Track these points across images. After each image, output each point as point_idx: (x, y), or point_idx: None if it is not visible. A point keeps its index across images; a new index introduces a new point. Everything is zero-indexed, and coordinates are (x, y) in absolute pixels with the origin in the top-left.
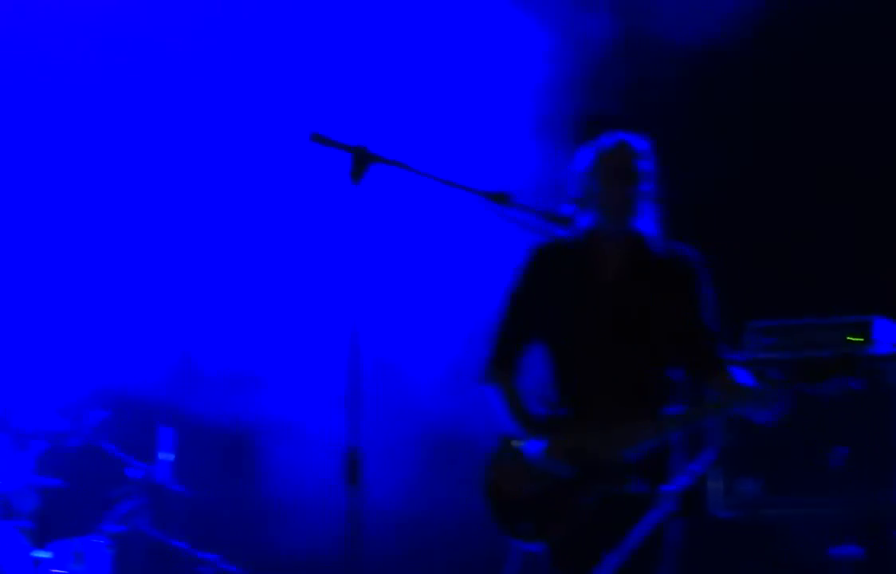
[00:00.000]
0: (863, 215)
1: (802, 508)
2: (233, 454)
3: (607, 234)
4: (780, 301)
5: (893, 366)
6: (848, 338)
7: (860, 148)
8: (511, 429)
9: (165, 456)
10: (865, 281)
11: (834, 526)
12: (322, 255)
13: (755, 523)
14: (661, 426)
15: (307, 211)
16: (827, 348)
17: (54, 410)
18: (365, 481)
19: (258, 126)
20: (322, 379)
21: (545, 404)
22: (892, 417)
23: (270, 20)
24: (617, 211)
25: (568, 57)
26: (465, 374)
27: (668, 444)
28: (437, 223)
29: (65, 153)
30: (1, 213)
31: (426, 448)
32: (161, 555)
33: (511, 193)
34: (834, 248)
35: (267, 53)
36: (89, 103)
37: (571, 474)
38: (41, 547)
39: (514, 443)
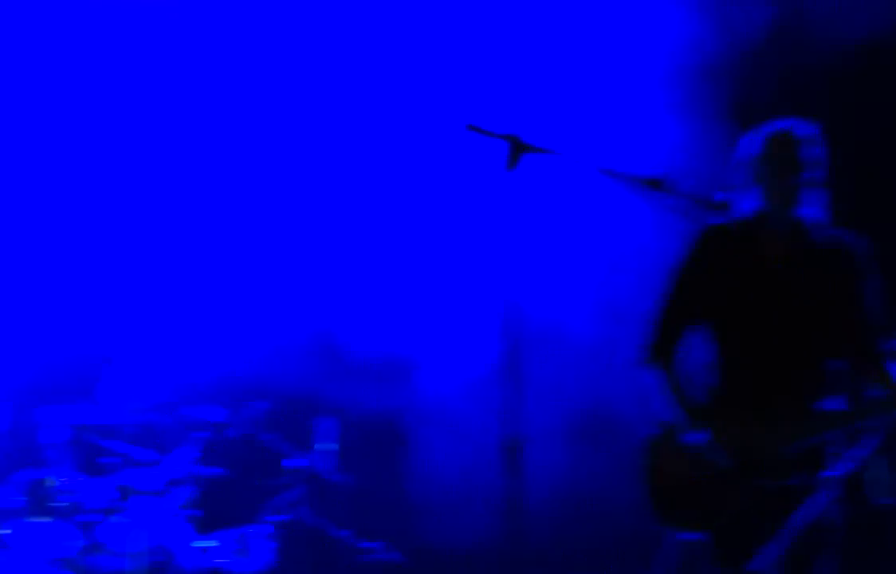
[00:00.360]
0: None
1: None
2: (392, 442)
3: (774, 221)
4: None
5: None
6: None
7: None
8: (670, 414)
9: (325, 445)
10: None
11: None
12: (476, 241)
13: None
14: (823, 423)
15: (461, 199)
16: None
17: (216, 401)
18: (524, 467)
19: (415, 116)
20: (479, 365)
21: (704, 389)
22: None
23: (429, 15)
24: (784, 198)
25: (721, 43)
26: (621, 356)
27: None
28: (591, 209)
29: (212, 149)
30: (162, 212)
31: (583, 432)
32: (323, 544)
33: (665, 179)
34: None
35: (426, 47)
36: (225, 95)
37: (732, 466)
38: (206, 536)
39: (675, 430)
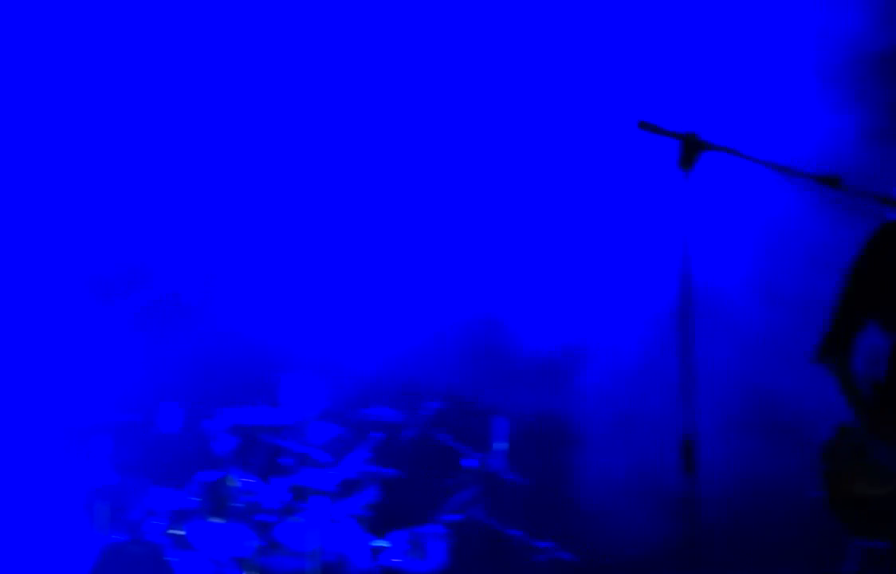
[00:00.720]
0: None
1: None
2: (564, 440)
3: None
4: None
5: None
6: None
7: None
8: (846, 413)
9: (499, 445)
10: None
11: None
12: (646, 234)
13: None
14: None
15: (631, 192)
16: None
17: (391, 402)
18: (699, 463)
19: (588, 114)
20: (650, 360)
21: (877, 387)
22: None
23: (600, 16)
24: None
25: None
26: (795, 351)
27: None
28: (764, 202)
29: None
30: (343, 217)
31: (756, 427)
32: (496, 543)
33: (842, 176)
34: None
35: (600, 47)
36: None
37: None
38: (379, 536)
39: (853, 435)
